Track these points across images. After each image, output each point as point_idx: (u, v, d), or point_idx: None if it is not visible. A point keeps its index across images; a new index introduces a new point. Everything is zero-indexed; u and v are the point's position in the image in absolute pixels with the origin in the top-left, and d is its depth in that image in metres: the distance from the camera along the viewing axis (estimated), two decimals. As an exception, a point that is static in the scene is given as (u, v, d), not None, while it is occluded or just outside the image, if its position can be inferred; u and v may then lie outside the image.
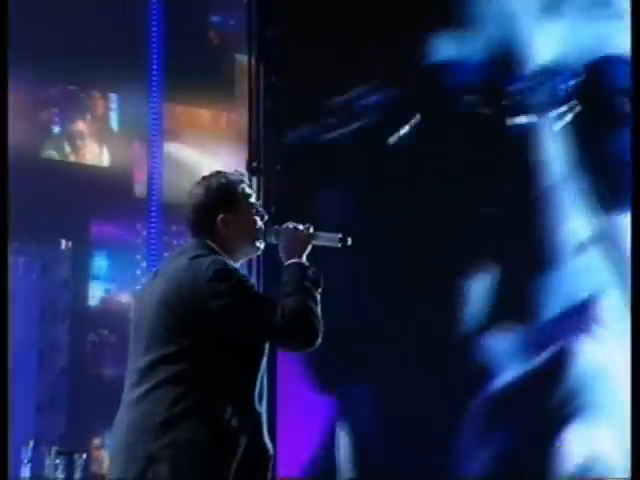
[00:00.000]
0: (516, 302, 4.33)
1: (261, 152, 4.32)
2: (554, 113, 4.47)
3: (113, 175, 5.22)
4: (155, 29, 4.73)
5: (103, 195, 4.88)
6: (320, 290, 2.15)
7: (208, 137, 5.32)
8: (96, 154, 5.24)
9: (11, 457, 4.31)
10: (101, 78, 4.90)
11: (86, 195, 4.74)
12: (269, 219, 2.26)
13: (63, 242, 4.90)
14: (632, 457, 2.98)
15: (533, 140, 4.43)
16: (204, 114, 5.35)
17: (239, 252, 2.26)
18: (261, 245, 2.26)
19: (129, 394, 2.18)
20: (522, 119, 4.48)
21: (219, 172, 2.27)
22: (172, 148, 5.19)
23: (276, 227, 2.26)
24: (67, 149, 5.08)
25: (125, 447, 2.14)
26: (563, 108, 4.48)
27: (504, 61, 4.49)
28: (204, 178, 2.26)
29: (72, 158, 5.17)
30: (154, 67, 4.76)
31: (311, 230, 2.23)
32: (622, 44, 4.28)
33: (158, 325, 2.15)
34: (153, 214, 4.93)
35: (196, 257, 2.15)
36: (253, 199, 2.27)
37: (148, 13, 4.74)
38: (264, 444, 2.11)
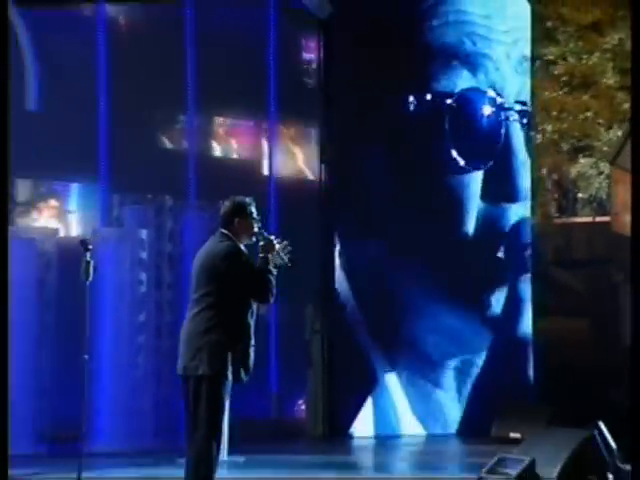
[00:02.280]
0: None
1: (328, 152, 7.41)
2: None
3: (251, 164, 8.55)
4: (272, 88, 7.79)
5: (247, 176, 8.13)
6: (275, 273, 3.49)
7: (302, 142, 8.50)
8: (243, 152, 8.52)
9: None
10: (239, 111, 8.24)
11: (237, 177, 7.93)
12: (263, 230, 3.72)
13: (221, 202, 8.12)
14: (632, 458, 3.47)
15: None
16: (300, 128, 8.46)
17: (242, 239, 3.58)
18: (252, 239, 3.62)
19: (188, 314, 3.53)
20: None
21: (238, 197, 3.66)
22: (283, 148, 8.33)
23: (265, 234, 3.63)
24: (226, 151, 8.47)
25: (185, 343, 3.51)
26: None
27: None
28: (231, 198, 3.66)
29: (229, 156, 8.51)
30: (272, 103, 7.86)
31: (277, 247, 3.58)
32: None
33: (200, 277, 3.50)
34: (271, 189, 8.04)
35: (220, 242, 3.53)
36: (254, 215, 3.61)
37: (267, 74, 7.83)
38: (251, 343, 3.52)
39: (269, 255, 3.57)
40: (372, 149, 7.26)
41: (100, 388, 6.16)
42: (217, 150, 8.45)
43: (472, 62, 7.29)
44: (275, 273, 3.58)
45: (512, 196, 7.57)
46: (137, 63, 7.48)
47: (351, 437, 7.18)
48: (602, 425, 5.07)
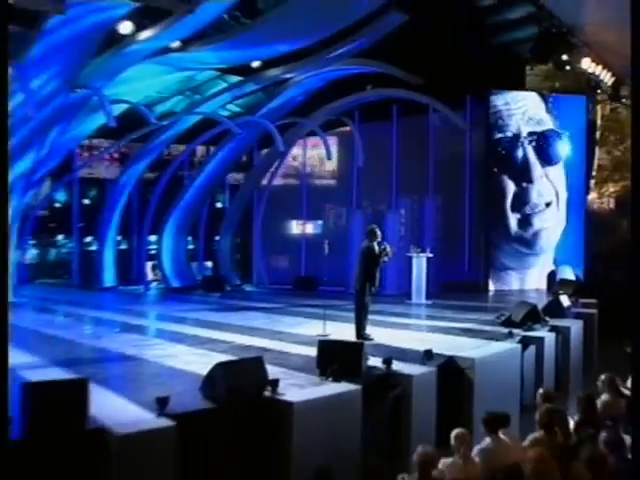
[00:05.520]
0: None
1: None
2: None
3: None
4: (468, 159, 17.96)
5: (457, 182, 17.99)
6: (386, 260, 9.48)
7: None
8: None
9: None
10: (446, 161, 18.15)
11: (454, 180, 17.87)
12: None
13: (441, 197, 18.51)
14: (633, 459, 4.07)
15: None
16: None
17: (372, 242, 9.41)
18: (378, 240, 9.52)
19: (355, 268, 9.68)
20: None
21: (371, 225, 9.84)
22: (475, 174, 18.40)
23: (385, 243, 9.62)
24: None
25: (354, 277, 9.72)
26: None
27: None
28: (372, 227, 9.72)
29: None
30: (468, 176, 18.20)
31: (388, 249, 9.44)
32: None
33: (358, 256, 9.57)
34: (467, 183, 18.06)
35: (367, 242, 9.49)
36: (377, 233, 9.54)
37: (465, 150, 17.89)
38: (377, 277, 9.48)
39: (384, 252, 9.23)
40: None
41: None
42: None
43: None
44: (387, 259, 9.36)
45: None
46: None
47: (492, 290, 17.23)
48: (561, 296, 12.25)
